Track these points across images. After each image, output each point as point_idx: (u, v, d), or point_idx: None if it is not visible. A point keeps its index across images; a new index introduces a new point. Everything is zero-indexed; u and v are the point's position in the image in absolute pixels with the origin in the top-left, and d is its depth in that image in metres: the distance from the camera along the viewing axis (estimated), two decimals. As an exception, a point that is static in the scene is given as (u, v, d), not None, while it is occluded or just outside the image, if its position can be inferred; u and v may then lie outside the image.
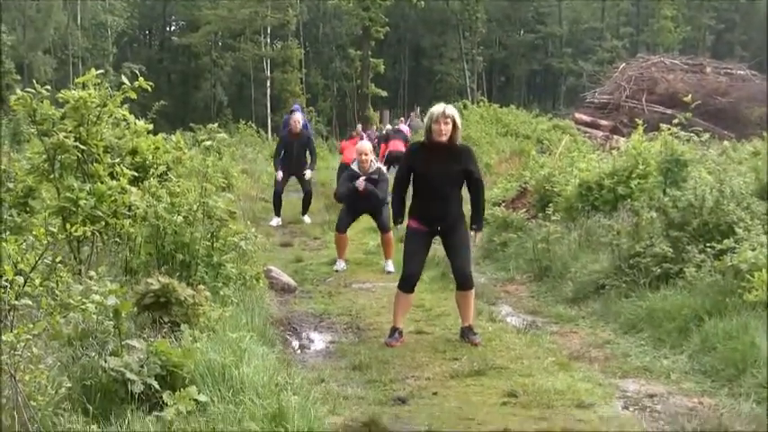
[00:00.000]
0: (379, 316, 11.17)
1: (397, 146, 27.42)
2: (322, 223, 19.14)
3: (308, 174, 19.78)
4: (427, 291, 12.65)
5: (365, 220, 16.14)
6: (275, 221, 19.84)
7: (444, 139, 9.58)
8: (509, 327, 10.72)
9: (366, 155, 14.45)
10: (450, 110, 9.62)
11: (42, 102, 9.53)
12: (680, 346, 8.98)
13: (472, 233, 10.21)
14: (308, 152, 20.05)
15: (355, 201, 14.54)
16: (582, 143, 25.50)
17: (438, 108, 9.66)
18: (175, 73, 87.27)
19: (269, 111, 68.07)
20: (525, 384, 8.02)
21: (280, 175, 19.70)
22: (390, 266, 14.31)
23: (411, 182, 10.02)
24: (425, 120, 9.87)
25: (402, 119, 41.10)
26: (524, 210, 16.53)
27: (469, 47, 79.41)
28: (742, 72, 44.83)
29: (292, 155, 19.76)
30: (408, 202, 10.20)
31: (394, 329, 9.99)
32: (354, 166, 14.39)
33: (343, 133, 59.93)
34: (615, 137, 35.44)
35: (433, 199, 9.83)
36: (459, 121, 9.73)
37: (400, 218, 10.38)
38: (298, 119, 19.97)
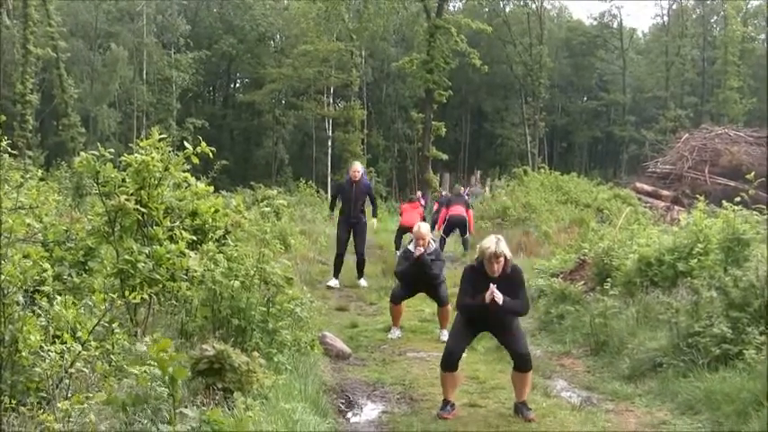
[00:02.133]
0: (433, 387, 11.08)
1: (459, 210, 27.42)
2: (378, 289, 19.06)
3: (374, 223, 20.59)
4: (482, 362, 12.57)
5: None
6: (333, 282, 19.71)
7: (497, 275, 9.77)
8: (563, 403, 10.59)
9: (423, 239, 14.25)
10: (501, 247, 9.73)
11: (105, 164, 9.62)
12: (738, 431, 8.81)
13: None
14: (368, 199, 20.32)
15: (413, 278, 14.49)
16: (642, 214, 25.33)
17: (489, 247, 9.75)
18: (238, 130, 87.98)
19: (329, 170, 68.43)
20: (578, 465, 7.92)
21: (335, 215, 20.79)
22: (446, 335, 13.91)
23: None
24: (478, 251, 10.02)
25: (462, 187, 41.07)
26: (582, 282, 16.39)
27: (531, 112, 79.38)
28: (766, 137, 44.40)
29: (350, 200, 19.77)
30: None
31: (446, 402, 9.93)
32: (411, 247, 14.36)
33: (402, 194, 60.05)
34: (677, 208, 35.17)
35: (487, 318, 10.05)
36: (508, 254, 9.86)
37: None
38: (357, 168, 20.13)
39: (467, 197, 32.50)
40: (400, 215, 29.16)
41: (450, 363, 9.99)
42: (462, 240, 28.37)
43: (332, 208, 21.36)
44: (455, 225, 28.04)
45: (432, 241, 14.59)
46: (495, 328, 10.29)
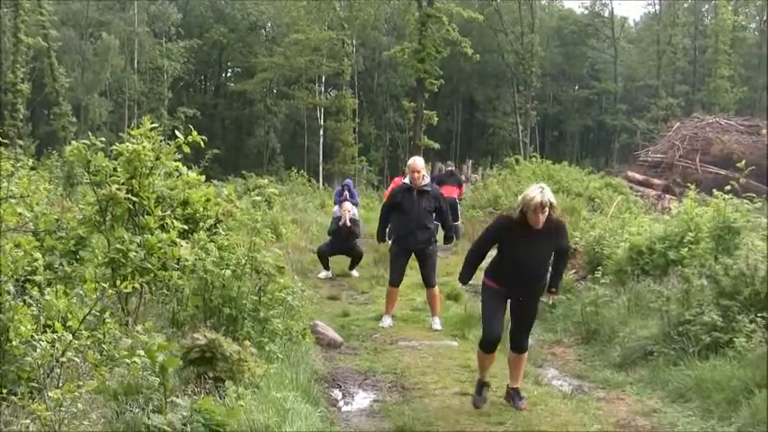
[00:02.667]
0: (425, 375, 11.12)
1: (451, 192, 27.04)
2: (370, 278, 19.05)
3: (347, 205, 20.19)
4: (473, 350, 12.57)
5: (413, 276, 16.04)
6: (324, 274, 19.71)
7: (541, 225, 9.15)
8: (555, 391, 10.63)
9: (419, 172, 14.02)
10: (548, 195, 9.02)
11: (96, 153, 9.60)
12: (728, 418, 8.83)
13: (548, 297, 10.32)
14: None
15: (406, 236, 14.28)
16: (633, 203, 25.36)
17: (535, 196, 9.02)
18: (229, 119, 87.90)
19: (321, 159, 68.37)
20: (570, 453, 7.94)
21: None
22: (437, 324, 14.19)
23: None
24: (519, 200, 9.32)
25: (454, 166, 41.07)
26: (573, 271, 16.42)
27: (523, 101, 79.34)
28: (766, 128, 44.43)
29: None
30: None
31: (481, 384, 9.98)
32: (406, 180, 14.27)
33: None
34: (668, 196, 35.21)
35: (521, 277, 9.55)
36: (554, 200, 9.23)
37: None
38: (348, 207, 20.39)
39: (461, 177, 32.38)
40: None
41: (491, 346, 9.75)
42: (455, 228, 28.18)
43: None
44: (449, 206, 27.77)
45: (426, 176, 14.48)
46: (520, 306, 9.84)
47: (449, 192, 27.03)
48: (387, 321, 14.57)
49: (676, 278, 12.69)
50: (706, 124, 46.18)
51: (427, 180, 14.21)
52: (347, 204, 18.74)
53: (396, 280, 14.60)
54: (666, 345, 10.95)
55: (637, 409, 9.75)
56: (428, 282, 14.45)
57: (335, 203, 25.04)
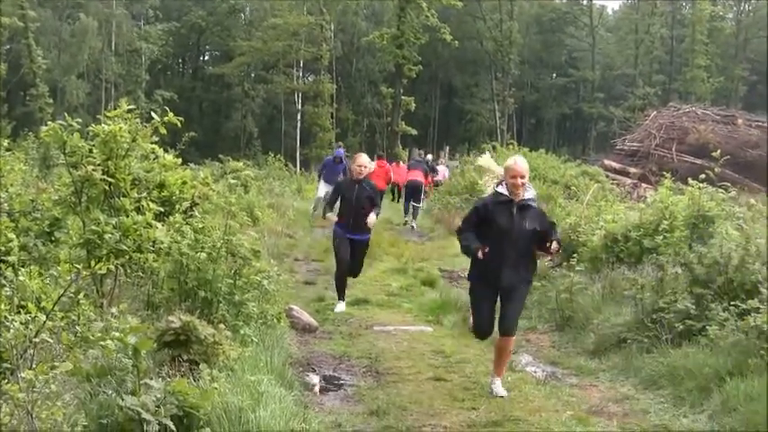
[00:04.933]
0: (399, 360, 11.14)
1: (416, 176, 28.36)
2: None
3: (372, 218, 14.64)
4: (448, 336, 12.65)
5: (388, 261, 16.07)
6: (340, 307, 14.81)
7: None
8: (528, 377, 10.65)
9: (522, 177, 9.68)
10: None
11: (73, 134, 9.57)
12: (700, 406, 8.89)
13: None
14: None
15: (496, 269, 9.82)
16: (610, 191, 25.44)
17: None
18: (207, 102, 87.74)
19: (298, 144, 68.28)
20: (542, 438, 7.97)
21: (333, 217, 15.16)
22: (499, 387, 9.81)
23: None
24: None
25: (424, 153, 41.22)
26: (549, 258, 16.46)
27: (501, 88, 79.50)
28: (766, 124, 44.63)
29: (352, 202, 14.73)
30: None
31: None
32: (502, 189, 9.64)
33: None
34: (643, 185, 35.36)
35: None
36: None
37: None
38: (364, 162, 15.12)
39: (446, 173, 33.07)
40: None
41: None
42: (413, 209, 28.92)
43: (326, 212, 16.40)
44: (411, 190, 28.59)
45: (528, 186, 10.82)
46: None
47: (414, 176, 28.22)
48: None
49: (651, 266, 12.74)
50: (682, 114, 46.38)
51: (531, 192, 9.78)
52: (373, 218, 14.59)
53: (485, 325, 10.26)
54: (640, 332, 10.99)
55: (609, 396, 9.79)
56: (506, 330, 9.90)
57: (320, 177, 25.61)
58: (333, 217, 14.90)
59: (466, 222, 9.93)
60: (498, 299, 9.89)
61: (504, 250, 9.46)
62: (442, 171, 39.45)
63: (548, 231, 9.58)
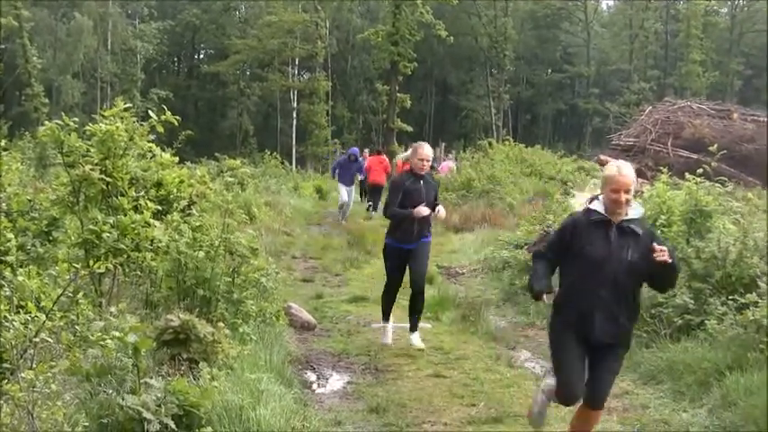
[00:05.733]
0: (398, 357, 11.15)
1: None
2: (344, 260, 19.02)
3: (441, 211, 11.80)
4: (447, 333, 12.65)
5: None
6: (388, 335, 12.18)
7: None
8: (528, 373, 10.64)
9: (628, 190, 7.13)
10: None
11: (70, 134, 9.56)
12: (700, 400, 8.89)
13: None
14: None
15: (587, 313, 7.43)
16: (606, 186, 25.43)
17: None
18: (202, 100, 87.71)
19: (294, 141, 68.24)
20: (542, 434, 7.96)
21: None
22: None
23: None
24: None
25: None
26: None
27: (496, 84, 79.52)
28: (766, 119, 44.61)
29: (419, 202, 11.59)
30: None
31: None
32: (596, 206, 7.05)
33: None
34: (640, 180, 35.32)
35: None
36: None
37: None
38: (428, 154, 11.86)
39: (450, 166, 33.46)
40: (366, 172, 29.80)
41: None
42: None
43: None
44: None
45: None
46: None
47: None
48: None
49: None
50: (678, 108, 46.24)
51: (637, 210, 7.16)
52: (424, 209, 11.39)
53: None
54: (639, 327, 10.93)
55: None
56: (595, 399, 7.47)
57: (334, 177, 25.89)
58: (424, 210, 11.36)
59: (546, 247, 7.43)
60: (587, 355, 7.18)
61: (597, 289, 6.86)
62: (447, 165, 39.59)
63: (656, 262, 6.71)
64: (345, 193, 28.15)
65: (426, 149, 11.75)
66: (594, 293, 6.88)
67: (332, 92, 71.33)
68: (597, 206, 7.02)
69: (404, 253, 11.68)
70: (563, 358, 7.21)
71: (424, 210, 11.29)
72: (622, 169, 6.92)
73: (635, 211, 7.03)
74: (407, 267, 11.79)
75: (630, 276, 6.91)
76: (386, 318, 12.14)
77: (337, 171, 28.84)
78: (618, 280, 6.88)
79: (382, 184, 29.18)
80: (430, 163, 11.95)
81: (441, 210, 11.65)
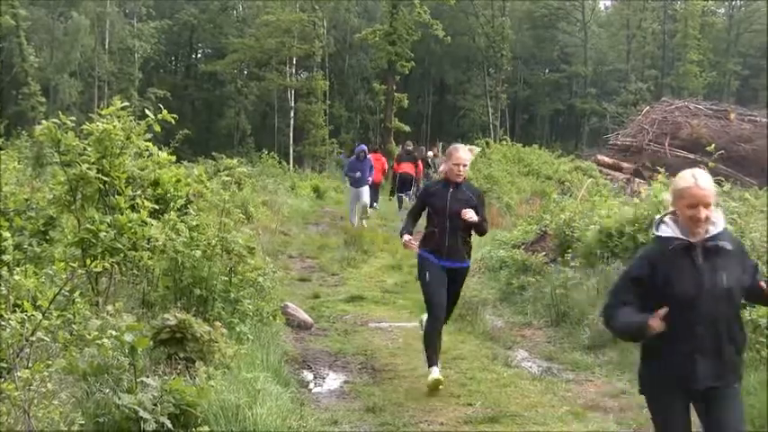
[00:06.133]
0: (395, 357, 11.17)
1: (407, 168, 29.14)
2: (341, 260, 19.01)
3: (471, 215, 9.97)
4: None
5: (382, 258, 16.06)
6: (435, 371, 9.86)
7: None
8: (524, 373, 10.67)
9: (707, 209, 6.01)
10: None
11: (67, 132, 9.55)
12: (695, 400, 8.90)
13: None
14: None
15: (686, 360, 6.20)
16: (603, 186, 25.45)
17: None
18: (200, 100, 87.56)
19: (291, 141, 68.17)
20: (539, 434, 7.98)
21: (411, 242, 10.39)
22: None
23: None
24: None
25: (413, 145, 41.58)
26: (544, 253, 16.47)
27: (494, 84, 79.42)
28: (766, 119, 44.66)
29: (447, 214, 10.12)
30: None
31: None
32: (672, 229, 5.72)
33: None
34: (637, 180, 35.39)
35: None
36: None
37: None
38: (465, 158, 10.35)
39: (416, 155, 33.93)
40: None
41: None
42: (401, 197, 30.44)
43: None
44: (404, 182, 29.31)
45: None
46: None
47: (404, 168, 28.71)
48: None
49: (646, 261, 12.71)
50: (675, 108, 46.38)
51: (720, 223, 5.78)
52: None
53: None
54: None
55: (605, 391, 9.81)
56: None
57: (350, 175, 25.38)
58: (411, 243, 10.11)
59: (615, 296, 5.90)
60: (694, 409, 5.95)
61: (694, 329, 5.56)
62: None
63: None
64: (355, 196, 25.99)
65: (462, 152, 10.21)
66: (692, 334, 5.57)
67: (329, 91, 71.23)
68: (670, 229, 5.66)
69: (440, 272, 9.97)
70: (665, 421, 6.00)
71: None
72: (699, 179, 5.59)
73: (717, 224, 5.66)
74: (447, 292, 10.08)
75: (730, 305, 5.65)
76: (432, 362, 9.79)
77: (349, 175, 26.64)
78: (718, 312, 5.58)
79: (379, 182, 29.38)
80: (467, 168, 10.18)
81: (468, 213, 9.74)
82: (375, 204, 28.17)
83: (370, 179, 25.90)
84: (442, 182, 10.29)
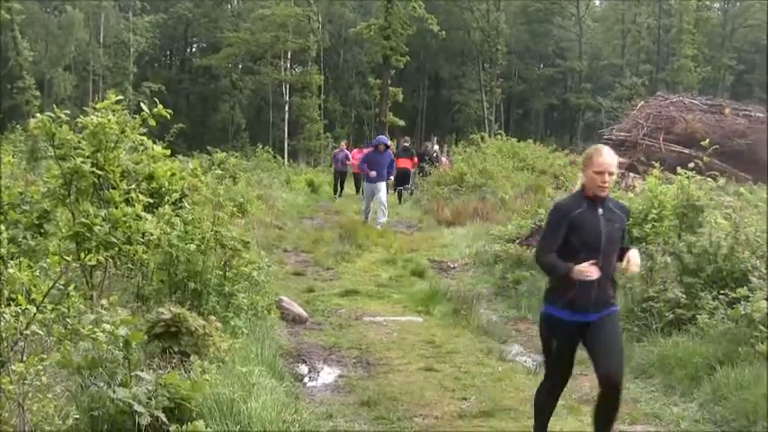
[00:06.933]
0: (389, 351, 11.15)
1: (404, 164, 29.90)
2: (335, 254, 18.99)
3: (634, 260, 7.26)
4: (438, 326, 12.65)
5: (377, 253, 16.06)
6: None
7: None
8: (519, 367, 10.65)
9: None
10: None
11: (61, 126, 9.54)
12: (691, 394, 8.93)
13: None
14: None
15: None
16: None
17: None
18: (194, 94, 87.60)
19: (286, 135, 68.18)
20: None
21: None
22: None
23: None
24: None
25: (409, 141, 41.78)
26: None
27: (488, 78, 79.45)
28: (761, 114, 44.60)
29: (597, 242, 7.07)
30: None
31: None
32: None
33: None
34: (632, 174, 35.38)
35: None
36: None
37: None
38: (611, 163, 7.06)
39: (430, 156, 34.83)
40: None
41: None
42: (399, 192, 31.40)
43: None
44: (401, 178, 29.82)
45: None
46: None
47: (401, 164, 29.14)
48: None
49: (640, 255, 12.72)
50: (670, 103, 46.33)
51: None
52: None
53: None
54: (630, 321, 11.00)
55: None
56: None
57: (362, 168, 24.24)
58: (588, 268, 6.75)
59: None
60: None
61: None
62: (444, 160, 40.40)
63: None
64: (375, 193, 23.91)
65: (607, 156, 6.97)
66: None
67: (324, 86, 71.34)
68: None
69: (577, 328, 7.10)
70: None
71: (589, 270, 6.75)
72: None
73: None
74: (589, 350, 7.25)
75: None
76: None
77: (362, 168, 24.85)
78: None
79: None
80: (614, 177, 7.02)
81: (633, 258, 7.06)
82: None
83: (392, 177, 24.75)
84: (581, 198, 7.07)
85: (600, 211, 6.95)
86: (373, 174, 23.70)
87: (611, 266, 7.03)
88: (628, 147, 43.12)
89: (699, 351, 9.41)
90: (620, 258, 7.05)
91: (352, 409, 8.70)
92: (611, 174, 6.90)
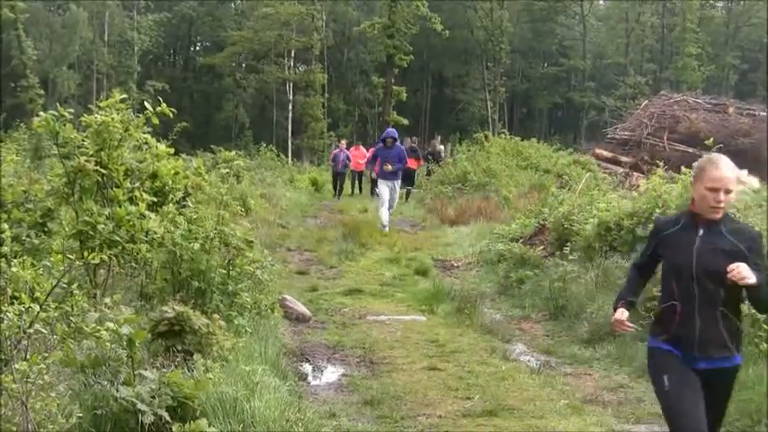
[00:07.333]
0: (393, 350, 11.14)
1: (409, 164, 29.75)
2: (339, 252, 18.97)
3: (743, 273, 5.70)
4: (442, 325, 12.64)
5: (381, 251, 16.04)
6: None
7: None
8: (523, 366, 10.65)
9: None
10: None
11: (65, 124, 9.54)
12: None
13: None
14: None
15: None
16: (602, 180, 25.44)
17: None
18: (198, 93, 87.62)
19: (290, 134, 68.18)
20: (537, 427, 7.98)
21: None
22: None
23: None
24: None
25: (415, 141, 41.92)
26: (542, 247, 16.46)
27: (492, 77, 79.40)
28: (765, 113, 44.59)
29: (694, 276, 5.81)
30: None
31: None
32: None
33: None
34: (636, 173, 35.35)
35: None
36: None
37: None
38: (730, 178, 5.77)
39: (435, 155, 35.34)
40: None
41: None
42: (406, 191, 31.50)
43: None
44: (409, 176, 30.18)
45: None
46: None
47: (410, 164, 29.43)
48: None
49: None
50: (674, 102, 46.29)
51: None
52: None
53: None
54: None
55: (604, 385, 9.80)
56: None
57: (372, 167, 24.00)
58: (625, 325, 6.26)
59: None
60: None
61: None
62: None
63: None
64: (387, 192, 22.78)
65: (725, 168, 5.68)
66: None
67: (328, 84, 71.30)
68: None
69: (692, 373, 5.81)
70: None
71: (621, 322, 6.21)
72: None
73: None
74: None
75: None
76: None
77: (376, 163, 23.96)
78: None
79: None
80: (732, 196, 5.76)
81: (742, 271, 5.42)
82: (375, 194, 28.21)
83: (399, 171, 23.30)
84: (685, 215, 5.97)
85: (700, 232, 5.74)
86: (389, 168, 22.62)
87: (718, 301, 5.69)
88: (632, 146, 43.11)
89: (702, 350, 9.39)
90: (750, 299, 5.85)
91: (355, 408, 8.70)
92: (727, 191, 5.64)
